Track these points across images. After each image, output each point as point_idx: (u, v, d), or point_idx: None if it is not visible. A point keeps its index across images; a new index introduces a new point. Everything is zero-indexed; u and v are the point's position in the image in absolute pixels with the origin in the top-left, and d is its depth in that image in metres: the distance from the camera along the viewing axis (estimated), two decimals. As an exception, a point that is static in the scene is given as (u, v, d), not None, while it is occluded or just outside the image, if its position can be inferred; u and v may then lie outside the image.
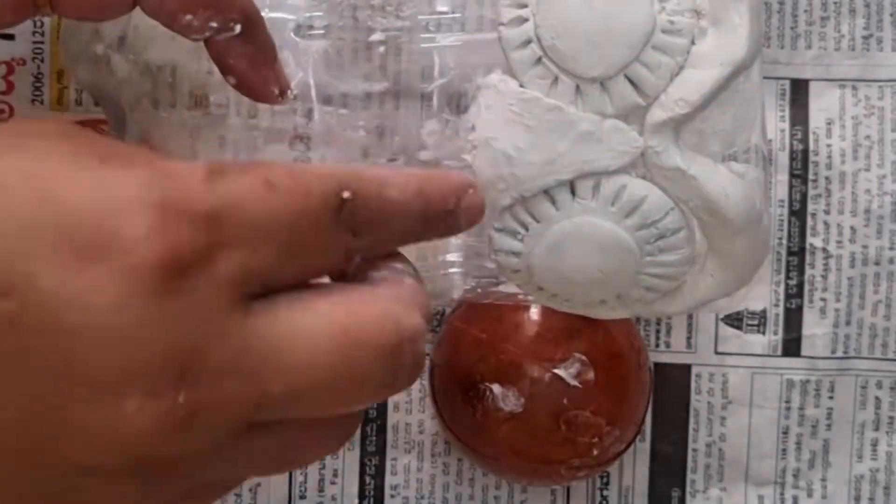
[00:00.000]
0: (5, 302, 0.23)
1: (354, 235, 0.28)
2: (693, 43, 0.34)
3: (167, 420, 0.24)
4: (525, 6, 0.34)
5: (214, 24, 0.34)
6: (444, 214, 0.31)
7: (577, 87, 0.34)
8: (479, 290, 0.38)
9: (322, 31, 0.39)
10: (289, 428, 0.27)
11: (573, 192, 0.34)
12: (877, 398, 0.48)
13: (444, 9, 0.39)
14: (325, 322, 0.26)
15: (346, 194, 0.27)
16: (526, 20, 0.34)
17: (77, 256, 0.23)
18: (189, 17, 0.34)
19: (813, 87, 0.47)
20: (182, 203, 0.24)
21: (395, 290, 0.29)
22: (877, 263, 0.47)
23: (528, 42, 0.34)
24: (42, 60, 0.46)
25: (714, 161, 0.35)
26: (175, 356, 0.24)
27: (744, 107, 0.35)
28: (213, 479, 0.28)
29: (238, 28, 0.35)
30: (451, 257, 0.38)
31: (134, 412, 0.24)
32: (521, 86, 0.34)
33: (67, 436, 0.24)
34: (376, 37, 0.40)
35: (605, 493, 0.48)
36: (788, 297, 0.48)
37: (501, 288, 0.38)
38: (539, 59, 0.34)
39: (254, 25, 0.35)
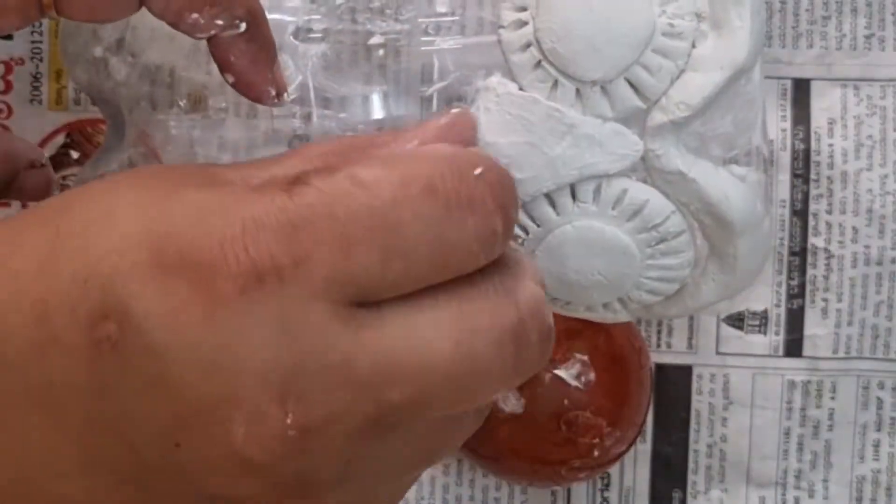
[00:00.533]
0: (106, 324, 0.23)
1: (504, 214, 0.26)
2: (694, 46, 0.33)
3: (279, 443, 0.23)
4: (525, 9, 0.34)
5: (220, 22, 0.34)
6: None
7: (578, 90, 0.33)
8: None
9: (321, 35, 0.39)
10: (419, 427, 0.26)
11: (574, 196, 0.34)
12: (878, 399, 0.48)
13: (444, 11, 0.39)
14: (436, 321, 0.25)
15: (477, 170, 0.26)
16: (525, 23, 0.34)
17: (165, 275, 0.23)
18: (195, 15, 0.33)
19: (815, 86, 0.47)
20: (264, 215, 0.23)
21: (500, 267, 0.27)
22: (879, 263, 0.47)
23: (528, 45, 0.34)
24: (41, 60, 0.46)
25: (715, 164, 0.35)
26: (275, 373, 0.23)
27: (744, 109, 0.35)
28: (359, 493, 0.26)
29: (243, 26, 0.34)
30: None
31: (242, 438, 0.23)
32: (521, 89, 0.34)
33: (190, 461, 0.23)
34: (375, 40, 0.40)
35: (605, 494, 0.48)
36: (790, 297, 0.48)
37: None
38: (539, 63, 0.34)
39: (258, 24, 0.35)
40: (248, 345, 0.23)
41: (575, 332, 0.43)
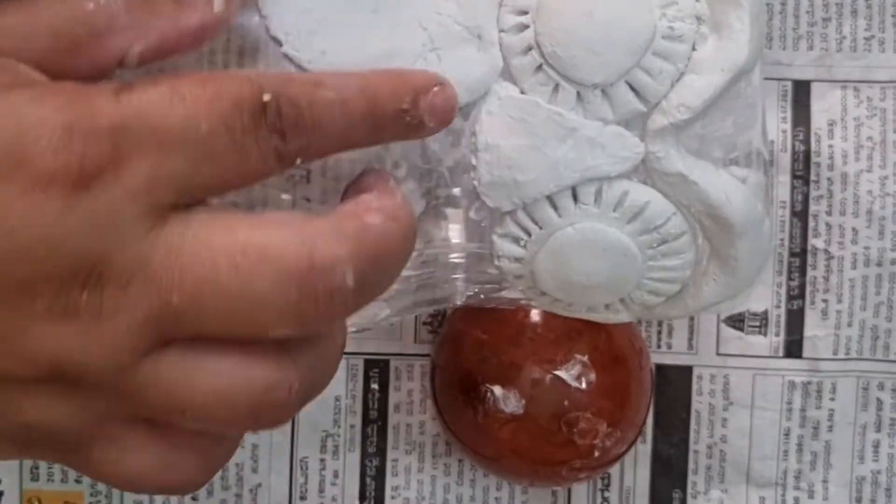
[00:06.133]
0: None
1: (283, 139, 0.27)
2: (694, 49, 0.34)
3: (74, 320, 0.25)
4: (525, 13, 0.34)
5: None
6: (399, 113, 0.30)
7: (579, 93, 0.34)
8: (481, 296, 0.38)
9: None
10: (194, 355, 0.27)
11: (575, 198, 0.34)
12: (878, 399, 0.48)
13: None
14: (229, 237, 0.26)
15: (266, 97, 0.27)
16: (526, 27, 0.34)
17: None
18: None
19: (815, 88, 0.47)
20: (88, 118, 0.25)
21: (336, 221, 0.28)
22: (878, 265, 0.47)
23: (528, 49, 0.34)
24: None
25: (715, 166, 0.35)
26: (82, 260, 0.25)
27: (745, 111, 0.35)
28: (129, 404, 0.27)
29: None
30: (454, 258, 0.38)
31: (43, 311, 0.25)
32: (523, 92, 0.34)
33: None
34: None
35: (605, 494, 0.48)
36: (790, 298, 0.48)
37: (504, 294, 0.38)
38: (540, 67, 0.34)
39: None
40: (62, 235, 0.25)
41: (575, 333, 0.43)
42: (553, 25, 0.33)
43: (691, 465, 0.48)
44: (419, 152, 0.35)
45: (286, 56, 0.33)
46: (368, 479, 0.48)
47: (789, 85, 0.47)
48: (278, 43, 0.33)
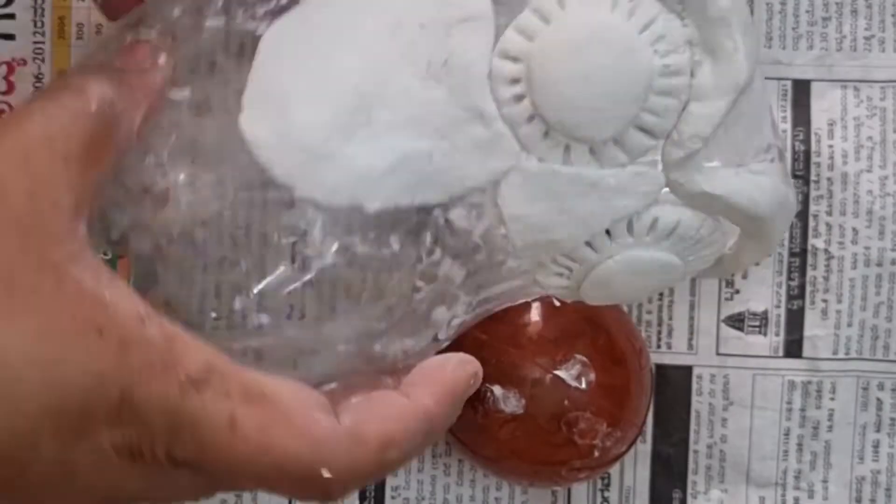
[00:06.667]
0: None
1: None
2: (692, 76, 0.33)
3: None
4: (518, 80, 0.33)
5: None
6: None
7: (591, 148, 0.34)
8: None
9: None
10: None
11: (609, 234, 0.35)
12: (878, 399, 0.48)
13: None
14: None
15: None
16: (523, 96, 0.34)
17: None
18: None
19: (815, 87, 0.47)
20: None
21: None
22: (879, 265, 0.47)
23: (531, 118, 0.34)
24: (42, 61, 0.46)
25: (735, 170, 0.35)
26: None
27: (753, 116, 0.35)
28: None
29: None
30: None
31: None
32: (539, 159, 0.34)
33: None
34: None
35: (605, 494, 0.48)
36: (790, 298, 0.48)
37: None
38: (547, 133, 0.34)
39: None
40: None
41: (575, 333, 0.43)
42: (551, 94, 0.33)
43: (691, 465, 0.48)
44: (445, 226, 0.36)
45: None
46: (368, 479, 0.48)
47: (789, 84, 0.47)
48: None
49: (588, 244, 0.35)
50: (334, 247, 0.34)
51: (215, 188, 0.34)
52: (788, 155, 0.47)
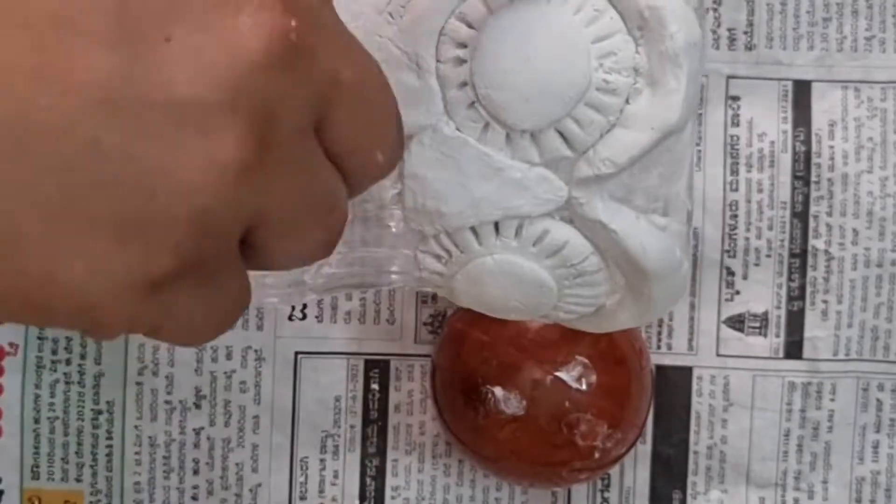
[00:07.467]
0: None
1: None
2: (627, 102, 0.33)
3: (279, 42, 0.23)
4: (464, 46, 0.33)
5: None
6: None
7: (508, 135, 0.34)
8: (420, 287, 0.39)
9: None
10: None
11: (497, 230, 0.35)
12: (878, 400, 0.48)
13: None
14: None
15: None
16: (464, 61, 0.33)
17: None
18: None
19: (815, 88, 0.47)
20: None
21: None
22: (879, 265, 0.47)
23: (464, 84, 0.34)
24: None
25: (636, 214, 0.35)
26: None
27: (672, 165, 0.35)
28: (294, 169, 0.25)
29: None
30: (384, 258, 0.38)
31: (248, 27, 0.22)
32: (457, 128, 0.34)
33: (170, 63, 0.22)
34: None
35: (606, 495, 0.48)
36: (790, 299, 0.48)
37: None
38: (472, 104, 0.34)
39: None
40: None
41: (576, 335, 0.43)
42: (489, 67, 0.33)
43: (691, 466, 0.48)
44: None
45: None
46: (368, 480, 0.48)
47: (790, 85, 0.47)
48: None
49: (473, 231, 0.35)
50: None
51: None
52: (789, 156, 0.47)
